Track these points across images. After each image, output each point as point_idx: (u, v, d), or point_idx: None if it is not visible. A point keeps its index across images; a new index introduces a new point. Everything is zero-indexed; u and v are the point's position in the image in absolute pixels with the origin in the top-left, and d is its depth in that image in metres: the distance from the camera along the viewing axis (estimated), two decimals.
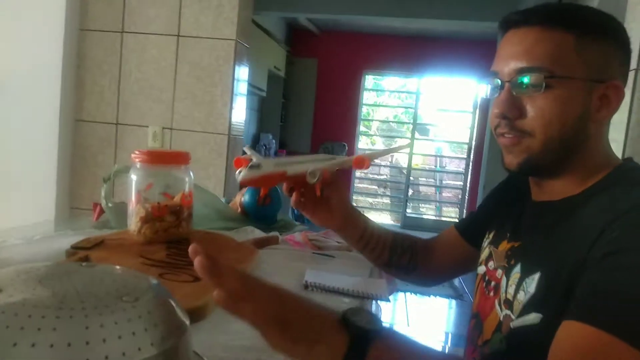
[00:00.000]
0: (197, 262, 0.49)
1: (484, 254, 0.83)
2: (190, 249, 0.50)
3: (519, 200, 0.81)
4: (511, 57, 0.68)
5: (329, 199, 0.87)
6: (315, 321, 0.52)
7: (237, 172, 0.81)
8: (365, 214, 0.96)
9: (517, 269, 0.69)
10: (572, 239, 0.63)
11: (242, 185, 0.79)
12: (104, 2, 2.26)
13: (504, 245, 0.77)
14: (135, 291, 0.38)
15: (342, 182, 0.88)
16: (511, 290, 0.69)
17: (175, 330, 0.39)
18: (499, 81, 0.70)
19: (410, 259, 0.96)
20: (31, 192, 2.21)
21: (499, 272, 0.75)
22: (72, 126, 2.31)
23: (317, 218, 0.89)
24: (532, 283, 0.65)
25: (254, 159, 0.80)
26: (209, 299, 0.73)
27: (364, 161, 0.84)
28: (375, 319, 0.53)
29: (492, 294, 0.76)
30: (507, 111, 0.68)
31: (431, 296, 3.89)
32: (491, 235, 0.83)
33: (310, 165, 0.83)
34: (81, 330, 0.32)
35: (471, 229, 0.95)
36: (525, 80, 0.66)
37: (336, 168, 0.87)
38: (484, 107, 5.79)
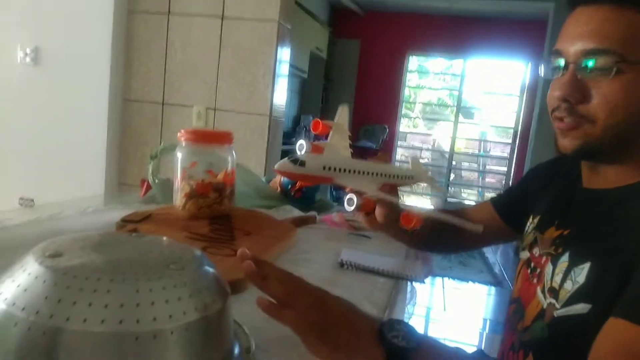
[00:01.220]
0: (244, 266, 0.53)
1: (528, 239, 0.81)
2: (239, 252, 0.55)
3: (568, 185, 0.78)
4: (578, 37, 0.63)
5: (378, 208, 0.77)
6: (355, 331, 0.53)
7: (298, 144, 0.73)
8: (405, 199, 0.94)
9: (565, 258, 0.68)
10: (626, 231, 0.61)
11: (276, 172, 0.71)
12: None
13: (551, 232, 0.74)
14: (181, 260, 0.41)
15: (393, 199, 0.75)
16: (557, 278, 0.67)
17: (218, 298, 0.41)
18: (563, 61, 0.65)
19: (446, 240, 0.96)
20: (82, 168, 2.32)
21: (545, 259, 0.73)
22: (121, 105, 2.39)
23: (368, 223, 0.81)
24: (582, 273, 0.63)
25: (303, 153, 0.71)
26: None
27: (411, 220, 0.69)
28: (411, 333, 0.53)
29: (535, 280, 0.74)
30: (570, 95, 0.64)
31: (469, 282, 3.85)
32: (536, 221, 0.81)
33: (368, 181, 0.72)
34: (132, 293, 0.35)
35: (508, 207, 0.93)
36: (592, 63, 0.61)
37: (384, 198, 0.73)
38: (532, 90, 5.60)
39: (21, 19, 2.27)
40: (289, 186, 1.27)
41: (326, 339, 0.51)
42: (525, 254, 0.81)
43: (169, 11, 2.31)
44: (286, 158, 0.69)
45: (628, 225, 0.61)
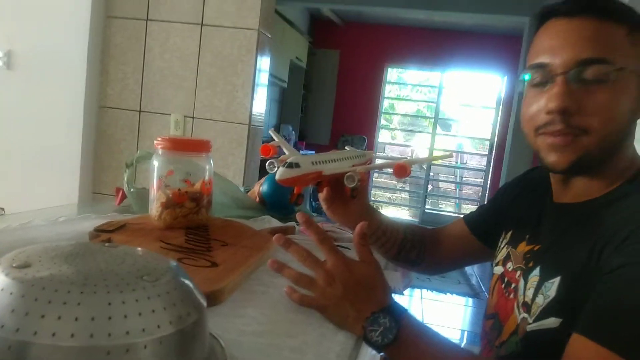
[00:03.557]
0: (277, 238, 0.69)
1: (501, 254, 0.81)
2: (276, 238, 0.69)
3: (538, 200, 0.78)
4: (568, 47, 0.62)
5: (352, 200, 0.87)
6: (366, 297, 0.62)
7: (268, 163, 0.80)
8: (384, 209, 0.96)
9: (536, 272, 0.68)
10: (591, 244, 0.61)
11: (281, 183, 0.76)
12: None
13: (523, 247, 0.75)
14: (155, 271, 0.40)
15: (366, 183, 0.89)
16: (529, 293, 0.67)
17: (193, 310, 0.40)
18: (549, 74, 0.64)
19: (418, 254, 0.96)
20: (55, 176, 2.27)
21: (518, 273, 0.73)
22: (97, 112, 2.35)
23: (337, 215, 0.89)
24: (552, 287, 0.63)
25: (291, 157, 0.77)
26: (226, 284, 0.74)
27: (406, 169, 0.77)
28: (391, 329, 0.58)
29: (512, 295, 0.74)
30: (569, 105, 0.62)
31: (447, 294, 3.87)
32: (509, 235, 0.81)
33: (346, 164, 0.81)
34: (104, 306, 0.34)
35: (481, 225, 0.94)
36: (589, 71, 0.61)
37: (371, 167, 0.86)
38: (508, 103, 5.71)
39: None
40: (289, 196, 1.27)
41: (343, 293, 0.61)
42: (499, 269, 0.80)
43: (148, 17, 2.29)
44: (280, 167, 0.75)
45: (593, 238, 0.61)
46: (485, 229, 0.92)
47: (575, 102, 0.62)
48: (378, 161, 0.97)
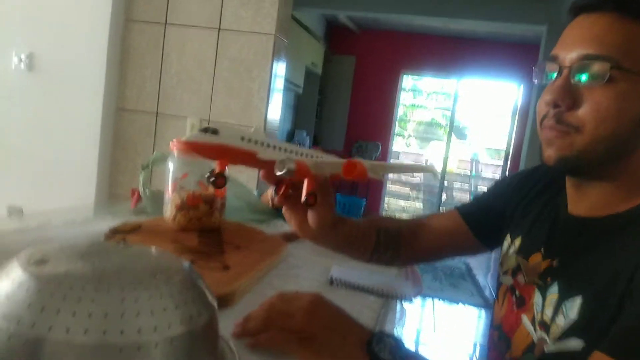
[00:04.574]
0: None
1: (510, 263, 0.77)
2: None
3: (552, 206, 0.74)
4: (577, 42, 0.61)
5: (312, 208, 0.71)
6: (342, 337, 0.57)
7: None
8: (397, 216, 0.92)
9: (555, 289, 0.65)
10: (617, 265, 0.58)
11: (180, 149, 0.60)
12: None
13: (537, 259, 0.71)
14: (168, 271, 0.40)
15: (330, 193, 0.71)
16: (548, 312, 0.64)
17: (204, 311, 0.41)
18: (558, 67, 0.63)
19: (392, 255, 0.88)
20: (72, 177, 2.30)
21: (532, 288, 0.70)
22: (114, 115, 2.38)
23: (294, 223, 0.75)
24: (574, 307, 0.61)
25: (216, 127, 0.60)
26: (237, 287, 0.75)
27: (355, 166, 0.64)
28: (399, 347, 0.55)
29: (522, 308, 0.71)
30: (560, 99, 0.61)
31: (459, 304, 3.83)
32: (517, 243, 0.78)
33: (287, 156, 0.64)
34: (117, 303, 0.34)
35: (479, 218, 0.87)
36: (588, 68, 0.59)
37: (325, 171, 0.67)
38: (524, 112, 5.66)
39: (17, 24, 2.26)
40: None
41: (311, 345, 0.54)
42: (508, 280, 0.77)
43: (166, 21, 2.32)
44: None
45: (619, 259, 0.58)
46: (485, 224, 0.86)
47: (570, 96, 0.60)
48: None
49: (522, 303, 0.72)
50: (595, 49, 0.59)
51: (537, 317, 0.67)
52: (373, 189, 6.32)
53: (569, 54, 0.61)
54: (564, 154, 0.62)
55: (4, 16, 2.27)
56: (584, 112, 0.60)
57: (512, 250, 0.78)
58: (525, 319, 0.70)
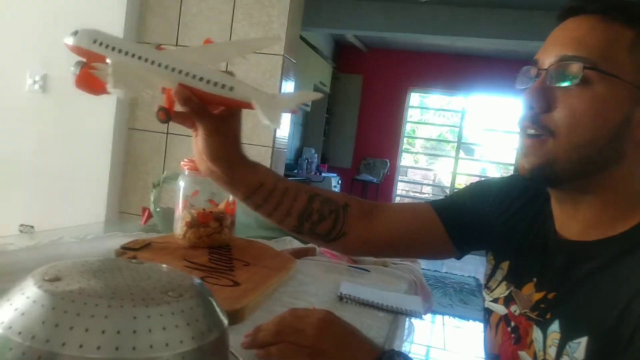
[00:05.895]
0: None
1: (500, 291, 0.72)
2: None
3: (539, 226, 0.69)
4: (556, 45, 0.59)
5: (204, 136, 0.66)
6: (353, 355, 0.58)
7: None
8: None
9: (556, 327, 0.60)
10: (622, 295, 0.54)
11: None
12: (160, 16, 2.37)
13: (530, 290, 0.67)
14: (179, 288, 0.41)
15: (207, 116, 0.66)
16: (551, 352, 0.60)
17: (215, 327, 0.41)
18: (537, 70, 0.61)
19: (333, 227, 0.74)
20: (84, 195, 2.32)
21: (530, 324, 0.65)
22: (125, 134, 2.41)
23: (195, 147, 0.70)
24: (579, 348, 0.56)
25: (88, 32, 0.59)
26: (247, 304, 0.75)
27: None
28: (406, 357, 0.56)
29: (517, 344, 0.67)
30: (535, 101, 0.58)
31: (470, 320, 3.79)
32: (505, 267, 0.72)
33: (148, 71, 0.57)
34: (130, 320, 0.35)
35: (455, 217, 0.77)
36: (564, 69, 0.57)
37: (214, 93, 0.58)
38: None
39: (31, 47, 2.32)
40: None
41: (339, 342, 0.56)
42: (501, 309, 0.72)
43: (177, 39, 2.36)
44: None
45: (621, 290, 0.54)
46: (459, 225, 0.77)
47: (545, 99, 0.58)
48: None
49: (520, 338, 0.67)
50: (573, 50, 0.57)
51: (539, 355, 0.63)
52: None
53: (547, 57, 0.60)
54: (538, 162, 0.59)
55: (19, 38, 2.33)
56: (558, 115, 0.57)
57: (500, 275, 0.74)
58: (526, 356, 0.66)
